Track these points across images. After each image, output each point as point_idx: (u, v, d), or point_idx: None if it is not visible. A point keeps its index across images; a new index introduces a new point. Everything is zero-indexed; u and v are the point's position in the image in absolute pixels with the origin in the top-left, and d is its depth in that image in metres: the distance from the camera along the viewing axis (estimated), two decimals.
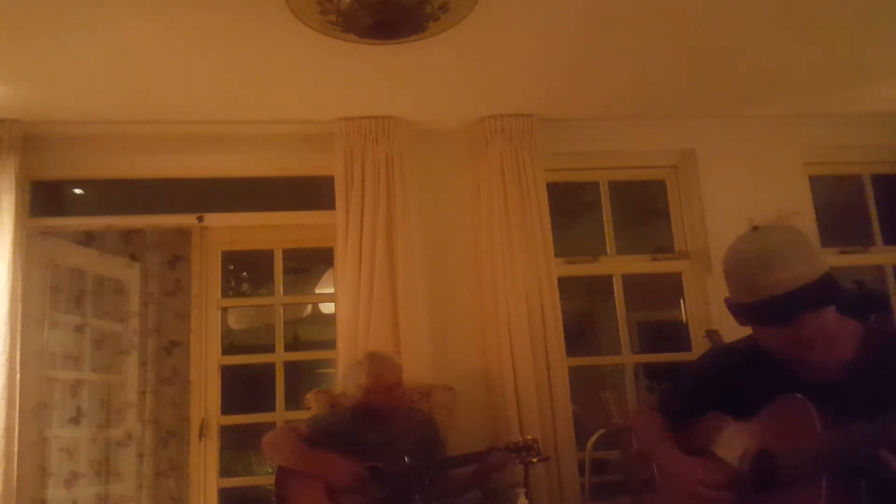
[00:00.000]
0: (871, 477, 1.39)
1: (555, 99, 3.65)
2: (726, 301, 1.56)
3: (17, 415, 3.20)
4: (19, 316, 3.30)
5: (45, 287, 3.57)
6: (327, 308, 5.13)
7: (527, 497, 2.73)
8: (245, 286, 5.47)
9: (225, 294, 3.93)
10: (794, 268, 1.43)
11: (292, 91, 3.42)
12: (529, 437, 2.85)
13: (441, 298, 3.59)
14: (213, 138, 3.68)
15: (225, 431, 3.71)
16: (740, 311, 1.53)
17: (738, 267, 1.52)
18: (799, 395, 1.50)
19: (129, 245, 4.05)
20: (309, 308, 5.50)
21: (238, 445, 4.72)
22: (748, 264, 1.49)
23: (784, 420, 1.53)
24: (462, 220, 3.73)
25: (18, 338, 3.28)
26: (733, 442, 1.65)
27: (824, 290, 1.44)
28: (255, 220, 3.89)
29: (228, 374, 3.74)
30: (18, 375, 3.25)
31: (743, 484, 1.58)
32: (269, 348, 3.85)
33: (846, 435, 1.39)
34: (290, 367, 3.85)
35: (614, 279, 3.98)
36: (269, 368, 3.78)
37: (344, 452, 2.71)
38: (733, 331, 1.75)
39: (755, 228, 1.53)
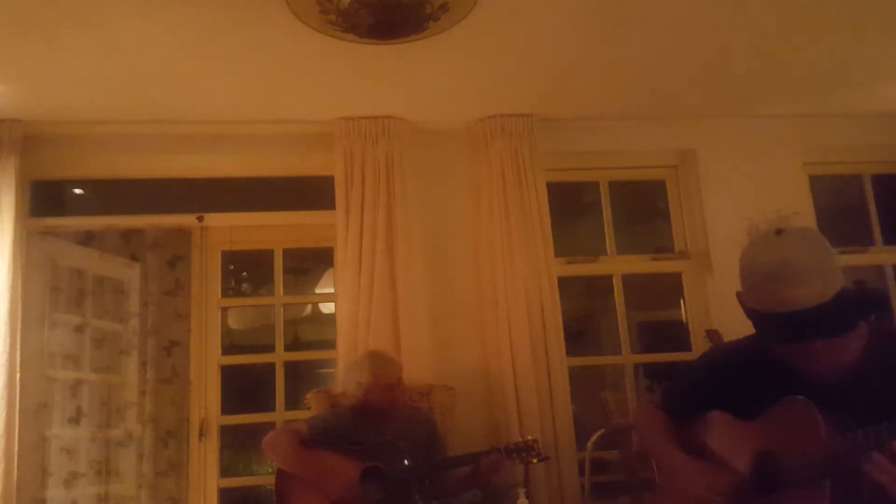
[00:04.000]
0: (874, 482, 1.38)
1: (555, 99, 3.65)
2: (738, 295, 1.54)
3: (17, 415, 3.20)
4: (19, 316, 3.30)
5: (45, 287, 3.56)
6: (327, 308, 5.12)
7: (527, 497, 2.73)
8: (245, 286, 5.46)
9: (225, 294, 3.92)
10: (812, 286, 1.40)
11: (292, 91, 3.42)
12: (529, 438, 2.85)
13: (441, 298, 3.59)
14: (213, 138, 3.68)
15: (225, 431, 3.71)
16: (751, 314, 1.51)
17: (755, 273, 1.48)
18: (804, 398, 1.49)
19: (129, 245, 4.04)
20: (309, 308, 5.49)
21: (238, 445, 4.71)
22: (766, 273, 1.45)
23: (788, 422, 1.52)
24: (462, 220, 3.73)
25: (18, 338, 3.28)
26: (736, 442, 1.64)
27: (837, 315, 1.41)
28: (255, 220, 3.89)
29: (228, 374, 3.74)
30: (18, 375, 3.25)
31: (744, 487, 1.57)
32: (269, 348, 3.85)
33: (852, 440, 1.38)
34: (290, 367, 3.85)
35: (614, 279, 3.98)
36: (269, 368, 3.78)
37: (344, 452, 2.71)
38: (733, 331, 1.75)
39: (779, 232, 1.49)
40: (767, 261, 1.46)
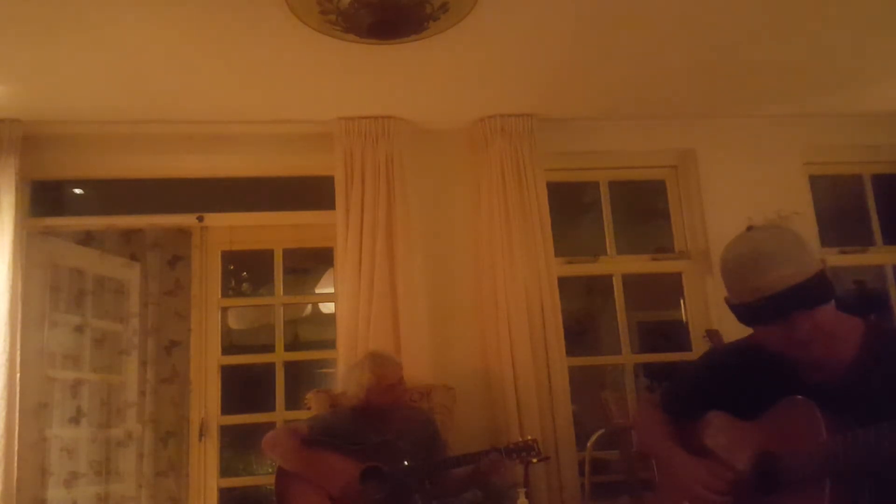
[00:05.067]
0: (874, 481, 1.39)
1: (555, 99, 3.65)
2: (726, 300, 1.57)
3: (17, 415, 3.20)
4: (19, 316, 3.30)
5: (45, 287, 3.57)
6: (327, 308, 5.13)
7: (527, 497, 2.73)
8: (245, 286, 5.47)
9: (225, 294, 3.92)
10: (784, 268, 1.44)
11: (292, 91, 3.42)
12: (529, 438, 2.85)
13: (441, 298, 3.59)
14: (213, 138, 3.68)
15: (225, 431, 3.71)
16: (737, 310, 1.53)
17: (730, 268, 1.53)
18: (804, 398, 1.50)
19: (129, 245, 4.04)
20: (309, 308, 5.50)
21: (238, 445, 4.72)
22: (739, 266, 1.50)
23: (789, 422, 1.53)
24: (462, 219, 3.73)
25: (18, 338, 3.28)
26: (736, 442, 1.65)
27: (814, 290, 1.45)
28: (255, 220, 3.89)
29: (228, 374, 3.74)
30: (18, 375, 3.25)
31: (745, 486, 1.57)
32: (269, 348, 3.85)
33: (852, 438, 1.38)
34: (290, 367, 3.85)
35: (614, 279, 3.98)
36: (269, 368, 3.78)
37: (344, 452, 2.71)
38: (733, 331, 1.75)
39: (749, 229, 1.55)
40: (740, 254, 1.52)
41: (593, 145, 3.93)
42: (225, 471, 3.79)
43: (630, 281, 3.98)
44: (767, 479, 1.54)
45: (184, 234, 3.81)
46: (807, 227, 3.67)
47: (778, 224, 1.56)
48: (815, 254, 1.50)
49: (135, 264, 4.03)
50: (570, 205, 4.52)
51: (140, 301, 4.00)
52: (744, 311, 1.52)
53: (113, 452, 3.77)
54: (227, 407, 3.69)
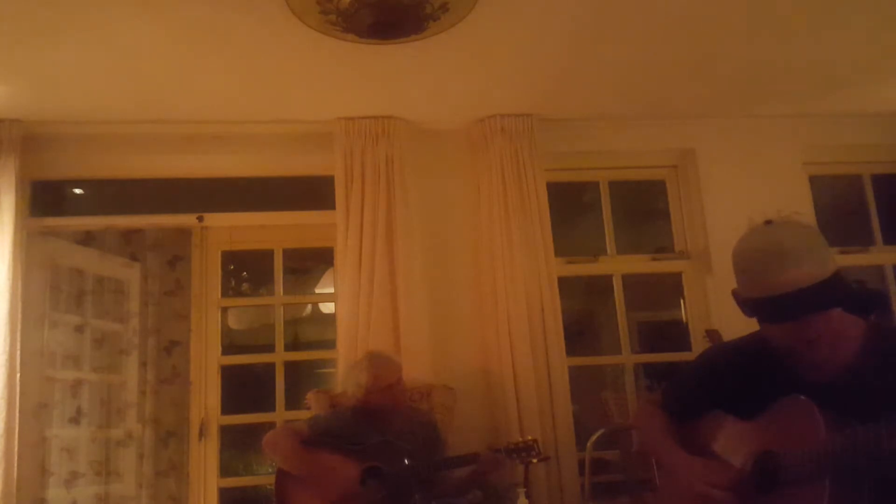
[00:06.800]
0: (874, 481, 1.38)
1: (555, 99, 3.65)
2: (734, 292, 1.55)
3: (17, 415, 3.20)
4: (19, 316, 3.30)
5: (45, 287, 3.56)
6: (327, 308, 5.12)
7: (527, 497, 2.73)
8: (245, 286, 5.46)
9: (225, 294, 3.92)
10: (805, 267, 1.42)
11: (292, 91, 3.42)
12: (529, 438, 2.85)
13: (441, 298, 3.59)
14: (213, 138, 3.68)
15: (225, 431, 3.71)
16: (747, 304, 1.51)
17: (748, 261, 1.50)
18: (803, 397, 1.49)
19: (129, 245, 4.03)
20: (309, 308, 5.50)
21: (238, 445, 4.70)
22: (759, 259, 1.47)
23: (788, 421, 1.53)
24: (462, 219, 3.73)
25: (18, 338, 3.28)
26: (736, 441, 1.64)
27: (833, 291, 1.43)
28: (255, 220, 3.89)
29: (228, 374, 3.74)
30: (18, 375, 3.25)
31: (745, 484, 1.57)
32: (269, 348, 3.85)
33: (851, 437, 1.38)
34: (290, 367, 3.85)
35: (614, 279, 3.98)
36: (269, 368, 3.78)
37: (344, 453, 2.71)
38: (733, 331, 1.75)
39: (768, 223, 1.51)
40: (760, 248, 1.48)
41: (593, 145, 3.94)
42: (225, 471, 3.78)
43: (630, 281, 3.99)
44: (767, 478, 1.54)
45: (184, 234, 3.81)
46: None
47: (796, 219, 1.53)
48: (831, 252, 1.48)
49: (135, 264, 4.02)
50: (570, 205, 4.51)
51: (140, 301, 3.99)
52: (754, 307, 1.50)
53: (113, 452, 3.76)
54: (228, 407, 3.69)
